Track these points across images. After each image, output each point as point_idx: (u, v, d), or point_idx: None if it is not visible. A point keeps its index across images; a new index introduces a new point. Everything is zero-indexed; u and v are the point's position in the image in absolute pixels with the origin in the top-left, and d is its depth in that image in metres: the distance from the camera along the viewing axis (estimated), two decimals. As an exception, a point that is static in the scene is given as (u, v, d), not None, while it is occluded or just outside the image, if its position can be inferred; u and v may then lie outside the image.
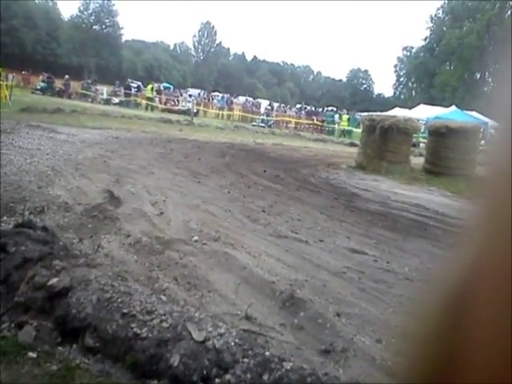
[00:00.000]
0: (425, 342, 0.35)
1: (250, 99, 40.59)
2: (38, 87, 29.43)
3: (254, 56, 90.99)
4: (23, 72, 33.96)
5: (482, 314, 0.30)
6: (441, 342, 0.33)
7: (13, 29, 48.84)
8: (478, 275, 0.31)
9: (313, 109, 39.76)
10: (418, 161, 14.42)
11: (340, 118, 34.37)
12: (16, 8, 49.67)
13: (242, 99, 40.93)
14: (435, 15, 61.39)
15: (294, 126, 33.26)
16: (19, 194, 5.39)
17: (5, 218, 4.54)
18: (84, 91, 31.14)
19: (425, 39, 62.05)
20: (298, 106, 43.61)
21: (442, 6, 60.51)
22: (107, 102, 29.75)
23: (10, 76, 24.05)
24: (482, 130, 14.45)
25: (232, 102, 35.70)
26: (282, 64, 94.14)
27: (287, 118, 34.50)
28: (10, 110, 15.32)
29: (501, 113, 0.32)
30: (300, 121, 34.67)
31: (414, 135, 15.70)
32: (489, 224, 0.32)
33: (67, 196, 5.60)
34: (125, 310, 2.62)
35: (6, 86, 19.58)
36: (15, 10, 49.47)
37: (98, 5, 60.69)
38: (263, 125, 29.98)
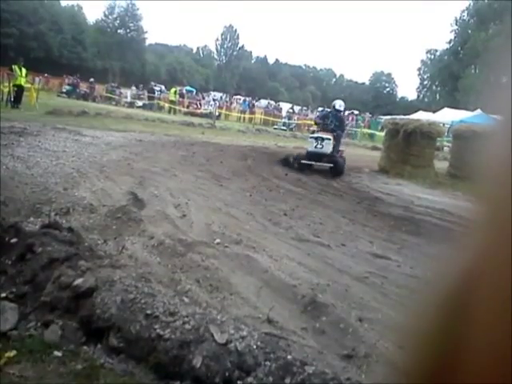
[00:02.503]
0: (426, 342, 0.35)
1: (272, 102, 40.65)
2: (64, 90, 30.01)
3: (276, 59, 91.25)
4: (45, 75, 34.63)
5: (483, 313, 0.30)
6: (442, 342, 0.33)
7: (40, 33, 49.97)
8: (479, 275, 0.31)
9: (335, 112, 39.54)
10: (442, 165, 14.23)
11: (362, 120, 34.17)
12: (43, 13, 50.83)
13: (263, 102, 41.04)
14: (460, 17, 60.67)
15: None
16: (45, 195, 5.49)
17: (32, 218, 4.64)
18: (108, 94, 31.62)
19: (449, 42, 61.36)
20: (320, 108, 43.48)
21: (467, 8, 59.78)
22: (131, 105, 30.17)
23: (37, 79, 24.61)
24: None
25: (254, 106, 35.80)
26: (304, 67, 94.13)
27: (309, 121, 34.40)
28: (37, 113, 15.65)
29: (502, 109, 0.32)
30: (322, 124, 34.51)
31: (438, 139, 15.51)
32: (490, 222, 0.32)
33: (92, 198, 5.69)
34: (148, 311, 2.65)
35: (34, 89, 20.01)
36: (42, 15, 50.65)
37: (122, 9, 61.73)
38: (285, 128, 29.97)
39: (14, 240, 3.52)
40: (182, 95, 34.27)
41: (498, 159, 0.32)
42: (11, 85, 17.32)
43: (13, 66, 17.84)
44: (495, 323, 0.29)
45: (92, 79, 32.42)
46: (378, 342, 3.06)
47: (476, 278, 0.32)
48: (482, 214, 0.33)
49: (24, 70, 17.95)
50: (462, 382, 0.31)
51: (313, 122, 31.61)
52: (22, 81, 17.66)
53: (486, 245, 0.32)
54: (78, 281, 2.92)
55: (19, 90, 17.42)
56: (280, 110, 36.70)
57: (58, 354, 2.51)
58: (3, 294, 2.96)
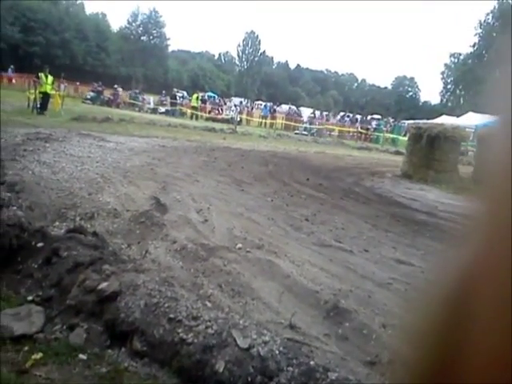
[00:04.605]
0: (427, 342, 0.35)
1: (293, 107, 40.63)
2: (88, 97, 30.49)
3: (298, 64, 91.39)
4: (77, 83, 35.29)
5: (494, 314, 0.30)
6: (443, 342, 0.33)
7: (65, 41, 51.04)
8: (489, 277, 0.31)
9: (357, 117, 39.33)
10: (466, 170, 14.01)
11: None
12: (68, 21, 51.92)
13: (284, 107, 41.03)
14: (484, 20, 59.79)
15: (337, 134, 32.99)
16: (70, 200, 5.58)
17: (57, 223, 4.72)
18: (132, 101, 32.05)
19: (473, 45, 60.49)
20: (342, 113, 43.30)
21: (491, 11, 58.89)
22: (154, 111, 30.52)
23: (62, 86, 25.09)
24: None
25: (275, 111, 35.82)
26: (325, 72, 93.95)
27: (330, 126, 34.33)
28: (62, 119, 15.95)
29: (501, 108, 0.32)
30: (343, 129, 34.35)
31: (463, 143, 15.29)
32: (490, 221, 0.32)
33: (116, 202, 5.76)
34: (171, 315, 2.66)
35: (59, 95, 20.40)
36: (67, 23, 51.73)
37: (145, 16, 62.60)
38: (306, 133, 29.92)
39: (40, 244, 3.60)
40: (203, 101, 34.52)
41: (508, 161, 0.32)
42: (37, 92, 17.70)
43: (39, 74, 18.24)
44: (507, 323, 0.29)
45: (116, 86, 32.92)
46: (401, 348, 3.02)
47: (487, 280, 0.31)
48: (492, 214, 0.33)
49: (50, 78, 18.35)
50: (472, 381, 0.31)
51: (334, 127, 31.39)
52: (48, 88, 18.03)
53: (498, 246, 0.31)
54: (103, 285, 2.96)
55: (45, 96, 17.80)
56: (301, 114, 36.64)
57: (83, 356, 2.55)
58: (30, 297, 3.02)
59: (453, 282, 0.36)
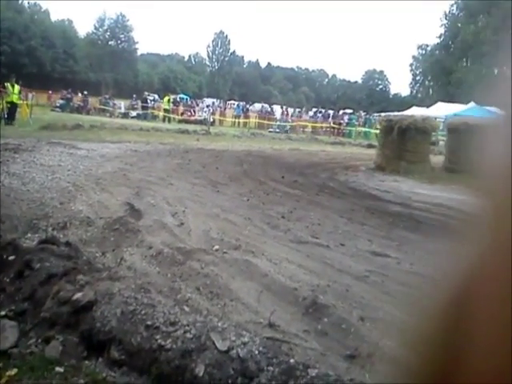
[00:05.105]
0: (428, 342, 0.35)
1: (266, 106, 40.68)
2: (57, 104, 29.95)
3: (268, 63, 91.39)
4: (50, 91, 34.42)
5: (487, 309, 0.30)
6: (445, 343, 0.33)
7: (31, 49, 50.03)
8: (482, 270, 0.31)
9: (329, 112, 39.61)
10: (437, 159, 14.25)
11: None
12: (34, 29, 50.91)
13: (257, 106, 41.08)
14: (449, 12, 60.69)
15: (310, 130, 33.16)
16: (42, 210, 5.48)
17: (29, 234, 4.63)
18: (102, 106, 31.61)
19: (439, 36, 61.37)
20: (314, 109, 43.53)
21: (455, 2, 59.84)
22: (125, 115, 30.15)
23: (30, 95, 24.59)
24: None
25: (248, 110, 35.83)
26: (296, 69, 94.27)
27: (303, 123, 34.48)
28: (31, 129, 15.65)
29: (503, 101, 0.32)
30: (316, 125, 34.55)
31: (433, 134, 15.53)
32: (491, 216, 0.32)
33: (89, 211, 5.68)
34: (149, 322, 2.64)
35: (27, 104, 20.00)
36: (33, 31, 50.69)
37: (112, 21, 61.81)
38: (279, 131, 29.99)
39: (11, 257, 3.52)
40: (175, 103, 34.29)
41: (498, 153, 0.32)
42: (4, 102, 17.32)
43: (5, 84, 17.85)
44: (499, 318, 0.29)
45: (85, 92, 32.40)
46: (380, 340, 3.05)
47: (480, 273, 0.31)
48: (484, 207, 0.33)
49: (17, 87, 17.97)
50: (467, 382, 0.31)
51: (307, 124, 31.53)
52: (15, 98, 17.65)
53: (489, 239, 0.31)
54: (78, 295, 2.91)
55: (12, 106, 17.43)
56: (274, 112, 36.70)
57: (59, 369, 2.50)
58: (2, 312, 2.95)
59: (451, 279, 0.35)
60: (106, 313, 2.76)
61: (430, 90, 63.56)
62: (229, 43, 78.40)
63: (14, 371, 2.43)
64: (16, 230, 4.70)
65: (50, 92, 34.62)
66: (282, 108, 38.12)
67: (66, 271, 3.27)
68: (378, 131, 18.21)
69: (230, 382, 2.31)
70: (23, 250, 3.64)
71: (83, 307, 2.85)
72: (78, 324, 2.81)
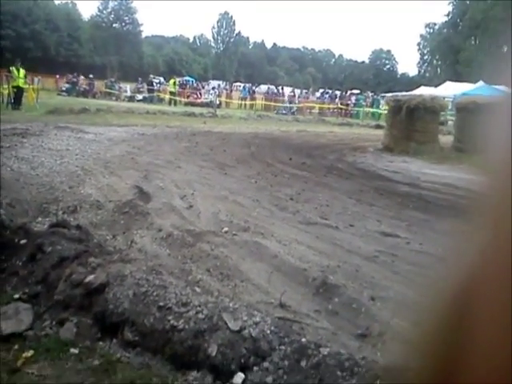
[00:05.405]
0: (438, 321, 0.35)
1: (272, 87, 40.37)
2: (63, 89, 29.92)
3: (274, 43, 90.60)
4: (57, 76, 34.24)
5: (497, 292, 0.29)
6: (455, 321, 0.33)
7: (35, 32, 49.76)
8: (492, 252, 0.30)
9: (336, 93, 39.25)
10: (446, 139, 14.13)
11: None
12: (38, 12, 50.59)
13: (263, 88, 40.80)
14: (457, -12, 59.64)
15: (317, 111, 32.92)
16: (52, 194, 5.51)
17: (40, 218, 4.67)
18: (108, 90, 31.52)
19: (447, 15, 60.38)
20: (321, 90, 43.16)
21: (463, -21, 58.72)
22: (131, 99, 30.05)
23: (36, 79, 24.57)
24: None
25: (254, 92, 35.59)
26: (302, 49, 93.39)
27: (310, 104, 34.22)
28: (38, 113, 15.67)
29: None
30: (324, 106, 34.28)
31: (442, 113, 15.38)
32: (499, 197, 0.31)
33: (98, 194, 5.70)
34: (161, 303, 2.66)
35: (33, 89, 20.00)
36: (37, 14, 50.38)
37: (116, 3, 61.32)
38: (286, 112, 29.81)
39: (23, 241, 3.55)
40: (182, 86, 34.12)
41: (508, 131, 0.31)
42: (10, 86, 17.32)
43: (10, 68, 17.83)
44: (509, 297, 0.28)
45: (91, 75, 32.29)
46: (391, 319, 3.06)
47: (488, 253, 0.31)
48: (492, 186, 0.33)
49: (22, 71, 17.93)
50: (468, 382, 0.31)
51: (314, 105, 31.30)
52: (21, 82, 17.64)
53: (497, 218, 0.31)
54: (90, 277, 2.93)
55: (18, 91, 17.42)
56: (281, 94, 36.42)
57: (74, 351, 2.54)
58: (16, 296, 2.99)
59: (460, 258, 0.35)
60: (119, 294, 2.78)
61: (438, 70, 62.81)
62: (234, 24, 77.73)
63: (30, 353, 2.46)
64: (26, 214, 4.74)
65: (58, 76, 34.38)
66: (292, 90, 37.69)
67: (78, 254, 3.29)
68: (385, 111, 18.06)
69: (242, 361, 2.34)
70: (34, 234, 3.67)
71: (96, 289, 2.87)
72: (91, 306, 2.84)
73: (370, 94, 38.64)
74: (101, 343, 2.64)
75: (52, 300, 2.95)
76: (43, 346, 2.57)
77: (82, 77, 32.28)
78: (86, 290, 2.88)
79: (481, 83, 28.58)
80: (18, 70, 17.69)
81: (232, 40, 77.97)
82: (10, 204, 4.79)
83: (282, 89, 38.88)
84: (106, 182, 6.36)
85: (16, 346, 2.54)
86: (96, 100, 26.79)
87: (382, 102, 32.23)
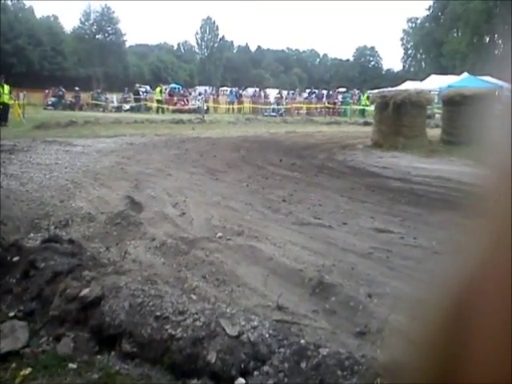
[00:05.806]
0: (436, 314, 0.34)
1: (259, 90, 40.39)
2: (49, 102, 29.76)
3: (258, 46, 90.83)
4: (46, 91, 33.88)
5: (490, 283, 0.29)
6: (452, 314, 0.32)
7: (18, 48, 49.52)
8: (492, 246, 0.30)
9: (323, 92, 39.35)
10: (434, 132, 14.22)
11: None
12: (19, 27, 50.33)
13: (250, 91, 40.78)
14: (437, -18, 60.14)
15: (305, 111, 33.00)
16: (42, 209, 5.48)
17: (31, 234, 4.63)
18: (94, 101, 31.41)
19: (428, 8, 60.89)
20: (308, 90, 43.25)
21: (442, -28, 59.24)
22: (118, 109, 29.98)
23: (21, 95, 24.41)
24: (497, 94, 14.17)
25: (241, 95, 35.63)
26: (286, 51, 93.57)
27: (298, 105, 34.30)
28: (25, 128, 15.58)
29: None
30: (311, 106, 34.37)
31: (429, 107, 15.47)
32: (490, 188, 0.31)
33: (89, 207, 5.67)
34: (157, 313, 2.64)
35: (19, 104, 19.89)
36: (19, 30, 50.14)
37: (98, 14, 61.16)
38: (274, 114, 29.85)
39: (16, 258, 3.52)
40: (169, 93, 34.09)
41: (496, 121, 0.31)
42: (-5, 103, 17.23)
43: (-6, 85, 17.73)
44: (504, 290, 0.28)
45: (77, 88, 32.14)
46: (389, 315, 3.06)
47: (483, 245, 0.31)
48: (482, 177, 0.32)
49: (6, 87, 17.83)
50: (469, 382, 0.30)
51: (302, 105, 31.35)
52: (6, 98, 17.54)
53: (489, 209, 0.31)
54: (85, 291, 2.92)
55: (4, 107, 17.32)
56: (267, 96, 36.45)
57: (72, 366, 2.51)
58: (11, 314, 2.96)
59: (454, 251, 0.35)
60: (115, 307, 2.77)
61: (423, 63, 63.31)
62: (217, 29, 77.85)
63: (28, 370, 2.44)
64: (18, 230, 4.70)
65: (47, 91, 34.11)
66: (279, 91, 37.70)
67: (72, 268, 3.27)
68: (369, 107, 18.14)
69: (242, 366, 2.33)
70: (27, 250, 3.64)
71: (91, 303, 2.85)
72: (87, 320, 2.82)
73: (357, 92, 38.79)
74: (99, 356, 2.62)
75: (47, 316, 2.92)
76: (41, 362, 2.55)
77: (64, 90, 31.97)
78: (82, 304, 2.86)
79: (465, 75, 28.81)
80: (3, 86, 17.59)
81: (216, 45, 78.04)
82: (1, 221, 4.75)
83: (265, 91, 38.82)
84: (96, 194, 6.33)
85: (13, 365, 2.52)
86: (83, 112, 26.69)
87: (363, 97, 32.39)
